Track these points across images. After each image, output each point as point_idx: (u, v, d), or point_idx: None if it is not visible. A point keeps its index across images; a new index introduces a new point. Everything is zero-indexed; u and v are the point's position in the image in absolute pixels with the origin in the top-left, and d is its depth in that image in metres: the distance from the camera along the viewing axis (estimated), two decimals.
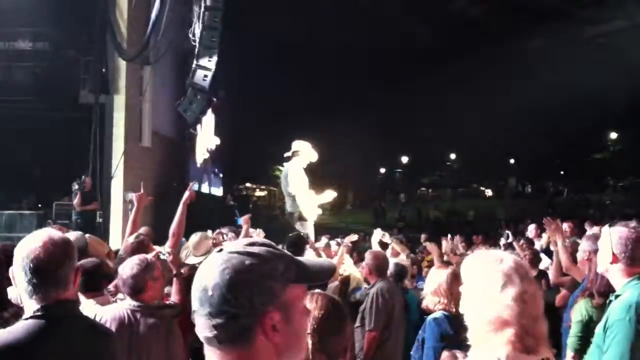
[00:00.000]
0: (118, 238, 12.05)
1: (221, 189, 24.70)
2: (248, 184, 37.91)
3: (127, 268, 3.80)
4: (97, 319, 3.45)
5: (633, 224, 3.05)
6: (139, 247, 4.69)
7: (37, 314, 2.27)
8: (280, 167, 43.23)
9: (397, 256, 8.03)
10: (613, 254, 3.00)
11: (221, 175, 24.77)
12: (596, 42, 33.58)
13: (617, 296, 2.96)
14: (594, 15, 31.87)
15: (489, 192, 51.80)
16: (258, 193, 37.53)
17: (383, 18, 32.96)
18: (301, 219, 7.72)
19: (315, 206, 7.82)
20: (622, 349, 2.73)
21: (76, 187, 13.45)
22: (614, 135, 47.33)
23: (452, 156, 55.36)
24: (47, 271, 2.29)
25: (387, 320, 5.36)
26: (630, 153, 41.02)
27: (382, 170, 55.04)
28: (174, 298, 4.27)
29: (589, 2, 31.32)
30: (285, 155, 8.10)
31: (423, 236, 14.60)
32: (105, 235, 12.73)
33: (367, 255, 5.80)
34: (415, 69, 38.21)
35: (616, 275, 3.01)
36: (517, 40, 35.26)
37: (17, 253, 2.32)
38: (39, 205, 14.79)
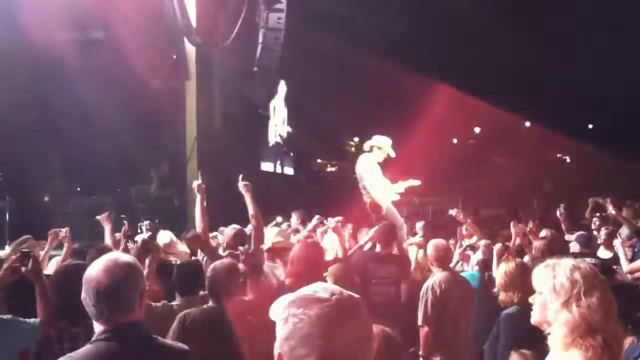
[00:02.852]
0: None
1: (292, 168, 24.86)
2: (319, 160, 37.99)
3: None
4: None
5: None
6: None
7: (101, 337, 2.35)
8: (351, 142, 43.37)
9: (470, 238, 7.86)
10: None
11: (292, 154, 24.90)
12: None
13: None
14: None
15: (567, 159, 50.29)
16: (329, 169, 37.58)
17: None
18: (375, 208, 7.82)
19: (388, 195, 7.88)
20: None
21: (152, 172, 13.81)
22: None
23: (527, 124, 53.88)
24: (109, 295, 2.37)
25: (440, 314, 5.16)
26: None
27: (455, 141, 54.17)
28: None
29: None
30: (364, 146, 8.23)
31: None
32: (183, 219, 13.06)
33: (429, 246, 5.68)
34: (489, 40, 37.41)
35: None
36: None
37: (85, 276, 2.41)
38: (119, 190, 15.25)
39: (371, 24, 32.30)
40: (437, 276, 5.32)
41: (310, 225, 6.72)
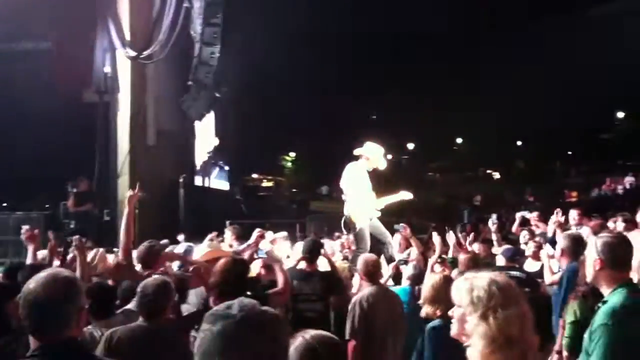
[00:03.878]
0: None
1: (227, 183, 24.71)
2: (255, 175, 37.90)
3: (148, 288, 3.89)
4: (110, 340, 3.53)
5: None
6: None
7: (35, 353, 2.30)
8: (287, 157, 43.30)
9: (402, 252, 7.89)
10: (599, 260, 3.02)
11: (227, 168, 24.75)
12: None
13: (604, 302, 2.98)
14: None
15: (496, 175, 51.62)
16: (265, 184, 37.49)
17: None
18: (349, 224, 7.56)
19: (367, 210, 7.57)
20: (605, 354, 2.74)
21: (69, 188, 13.50)
22: (621, 115, 47.03)
23: (459, 140, 55.08)
24: (45, 310, 2.32)
25: (367, 328, 5.11)
26: (638, 133, 40.76)
27: (389, 157, 54.82)
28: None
29: None
30: (355, 153, 7.84)
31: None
32: (113, 235, 12.79)
33: (359, 260, 5.69)
34: (419, 54, 38.10)
35: (603, 282, 3.04)
36: (519, 24, 35.12)
37: (23, 290, 2.36)
38: (47, 206, 14.84)
39: (308, 39, 32.58)
40: (366, 291, 5.32)
41: (251, 240, 6.58)
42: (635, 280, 3.48)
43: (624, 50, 31.98)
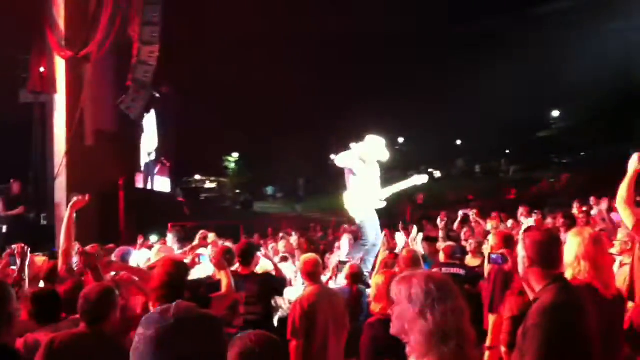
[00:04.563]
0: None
1: (169, 184, 24.38)
2: (197, 177, 37.49)
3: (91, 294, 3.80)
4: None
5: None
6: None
7: None
8: (229, 158, 42.83)
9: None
10: (529, 257, 3.06)
11: (168, 169, 24.44)
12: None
13: (535, 299, 3.00)
14: None
15: (437, 174, 52.45)
16: (208, 185, 37.09)
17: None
18: (349, 219, 7.55)
19: (365, 205, 7.54)
20: (538, 353, 2.78)
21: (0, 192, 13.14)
22: (556, 113, 48.44)
23: (401, 140, 55.75)
24: None
25: (308, 328, 5.08)
26: (573, 130, 42.10)
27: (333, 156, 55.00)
28: None
29: None
30: (355, 147, 7.77)
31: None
32: (50, 238, 12.46)
33: (301, 260, 5.70)
34: (361, 55, 38.38)
35: (533, 279, 3.07)
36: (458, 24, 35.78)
37: None
38: None
39: (255, 38, 32.45)
40: (307, 290, 5.32)
41: (195, 241, 6.49)
42: (568, 276, 3.58)
43: (560, 49, 32.92)
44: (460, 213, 12.31)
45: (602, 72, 31.76)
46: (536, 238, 3.08)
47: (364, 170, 7.53)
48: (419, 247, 8.13)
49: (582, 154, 40.05)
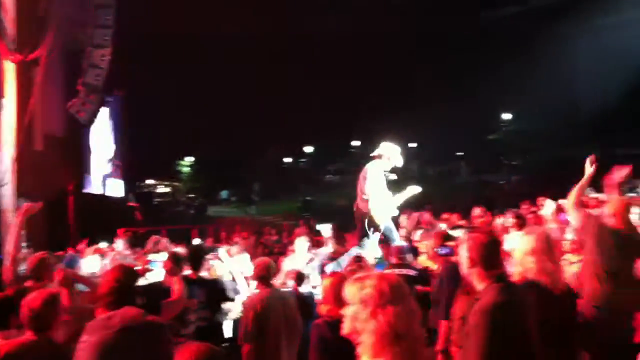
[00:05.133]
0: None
1: (122, 188, 23.96)
2: (150, 181, 37.07)
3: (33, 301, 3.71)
4: None
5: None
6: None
7: None
8: (182, 162, 42.45)
9: None
10: (471, 258, 3.12)
11: (121, 171, 23.98)
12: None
13: (476, 300, 3.05)
14: None
15: (392, 177, 52.77)
16: (161, 189, 36.70)
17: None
18: (371, 222, 7.50)
19: (387, 209, 7.56)
20: (479, 353, 2.83)
21: None
22: (507, 117, 49.30)
23: (356, 143, 56.04)
24: None
25: (260, 332, 5.07)
26: (522, 133, 42.91)
27: (287, 160, 55.10)
28: None
29: None
30: (372, 154, 7.80)
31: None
32: None
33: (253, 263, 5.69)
34: (313, 56, 38.44)
35: (476, 279, 3.13)
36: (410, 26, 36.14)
37: None
38: None
39: (207, 40, 32.17)
40: (258, 294, 5.30)
41: (147, 247, 6.39)
42: (518, 274, 3.65)
43: (511, 53, 33.47)
44: (415, 215, 12.42)
45: (552, 77, 32.47)
46: (477, 239, 3.14)
47: (383, 178, 7.65)
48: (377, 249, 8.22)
49: (529, 156, 40.85)
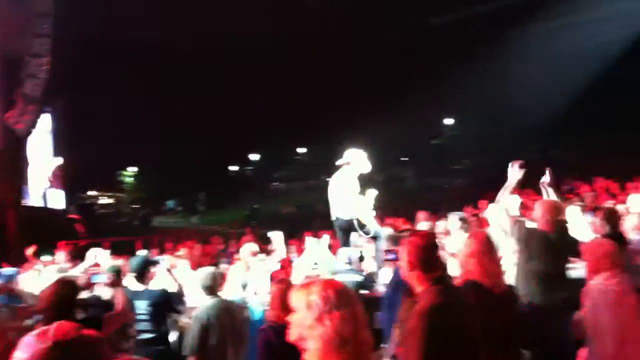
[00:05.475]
0: None
1: (63, 200, 23.38)
2: (92, 192, 36.33)
3: None
4: None
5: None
6: None
7: None
8: (125, 172, 41.76)
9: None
10: (409, 262, 3.15)
11: (62, 184, 23.42)
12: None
13: (415, 303, 3.07)
14: None
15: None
16: (104, 201, 36.02)
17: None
18: (364, 228, 7.40)
19: (368, 211, 7.49)
20: (417, 355, 2.83)
21: None
22: (449, 122, 50.20)
23: (302, 150, 56.17)
24: None
25: (205, 342, 5.01)
26: (465, 137, 43.79)
27: (234, 168, 54.84)
28: None
29: None
30: (337, 163, 7.70)
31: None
32: None
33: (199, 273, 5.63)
34: (261, 64, 38.40)
35: (415, 282, 3.15)
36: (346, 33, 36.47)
37: None
38: None
39: (148, 47, 31.74)
40: (204, 304, 5.25)
41: (87, 261, 6.23)
42: (460, 275, 3.71)
43: (455, 57, 34.04)
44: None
45: (496, 81, 33.18)
46: (416, 243, 3.18)
47: (354, 184, 7.63)
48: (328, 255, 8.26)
49: (472, 160, 41.72)
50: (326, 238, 8.55)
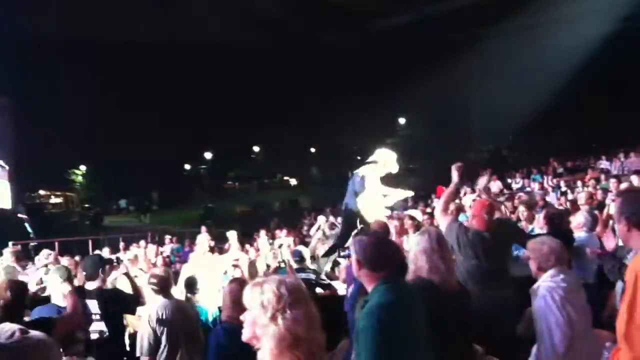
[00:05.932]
0: None
1: (9, 200, 22.75)
2: (41, 192, 35.45)
3: None
4: None
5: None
6: None
7: None
8: (76, 171, 40.91)
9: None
10: (358, 261, 3.15)
11: (9, 177, 22.76)
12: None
13: (366, 301, 3.06)
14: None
15: (293, 182, 53.19)
16: (53, 200, 35.17)
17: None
18: (362, 221, 7.35)
19: (378, 210, 7.43)
20: (368, 355, 2.84)
21: None
22: (402, 121, 50.66)
23: (256, 149, 55.95)
24: None
25: (159, 344, 4.98)
26: (419, 137, 44.27)
27: (187, 167, 54.24)
28: None
29: None
30: (367, 161, 7.64)
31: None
32: None
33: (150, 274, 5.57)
34: (216, 67, 38.18)
35: (365, 281, 3.15)
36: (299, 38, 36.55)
37: None
38: None
39: (96, 48, 31.20)
40: (156, 305, 5.17)
41: (38, 263, 6.08)
42: (411, 273, 3.74)
43: (408, 59, 34.35)
44: (322, 218, 12.56)
45: (448, 83, 33.63)
46: (362, 242, 3.19)
47: (376, 183, 7.61)
48: (286, 254, 8.27)
49: (424, 160, 42.18)
50: (284, 238, 8.58)
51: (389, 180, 7.46)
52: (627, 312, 2.74)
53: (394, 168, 7.85)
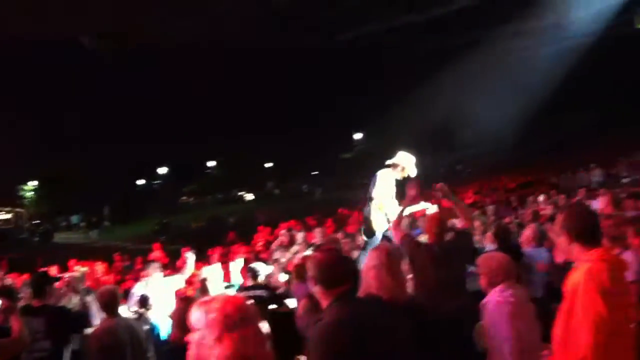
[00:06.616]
0: None
1: None
2: None
3: None
4: None
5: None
6: None
7: None
8: (25, 186, 40.06)
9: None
10: (312, 277, 3.11)
11: None
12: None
13: (319, 320, 3.02)
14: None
15: (249, 197, 53.01)
16: (2, 216, 34.23)
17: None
18: (369, 230, 7.14)
19: (385, 219, 7.23)
20: None
21: None
22: (358, 136, 51.11)
23: (211, 164, 55.62)
24: None
25: None
26: (374, 151, 44.66)
27: (140, 182, 53.53)
28: None
29: None
30: (388, 162, 7.41)
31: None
32: None
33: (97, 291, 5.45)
34: (176, 77, 37.87)
35: (320, 299, 3.10)
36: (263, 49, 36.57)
37: None
38: None
39: (43, 59, 30.60)
40: (102, 324, 5.08)
41: None
42: (363, 289, 3.73)
43: (366, 73, 34.60)
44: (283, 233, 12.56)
45: (404, 96, 33.97)
46: (316, 258, 3.16)
47: (390, 190, 7.48)
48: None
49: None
50: (240, 260, 8.52)
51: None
52: (564, 321, 2.89)
53: (413, 172, 7.85)
